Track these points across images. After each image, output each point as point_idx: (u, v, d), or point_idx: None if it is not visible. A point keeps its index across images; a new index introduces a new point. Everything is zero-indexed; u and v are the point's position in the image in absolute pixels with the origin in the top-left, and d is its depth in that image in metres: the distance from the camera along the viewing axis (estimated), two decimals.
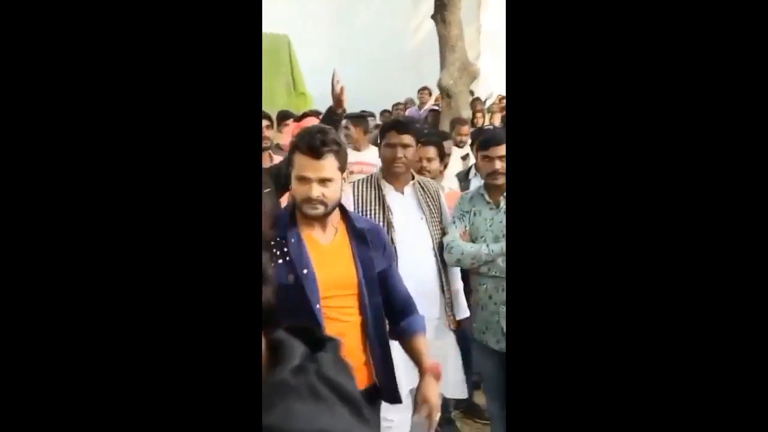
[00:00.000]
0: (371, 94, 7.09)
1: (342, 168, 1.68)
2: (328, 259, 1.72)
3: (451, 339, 2.58)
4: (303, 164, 1.64)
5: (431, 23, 7.63)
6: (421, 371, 1.78)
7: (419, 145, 2.62)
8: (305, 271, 1.66)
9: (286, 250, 1.67)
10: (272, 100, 6.82)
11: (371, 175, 2.60)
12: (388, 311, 1.85)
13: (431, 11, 7.54)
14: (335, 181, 1.65)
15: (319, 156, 1.61)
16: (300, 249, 1.68)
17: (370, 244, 1.75)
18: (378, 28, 8.83)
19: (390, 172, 2.50)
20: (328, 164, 1.63)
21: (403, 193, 2.54)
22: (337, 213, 1.76)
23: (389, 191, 2.52)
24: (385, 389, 1.80)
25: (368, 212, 2.47)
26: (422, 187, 2.57)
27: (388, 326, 1.85)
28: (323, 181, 1.64)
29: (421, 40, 8.92)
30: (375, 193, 2.52)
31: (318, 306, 1.66)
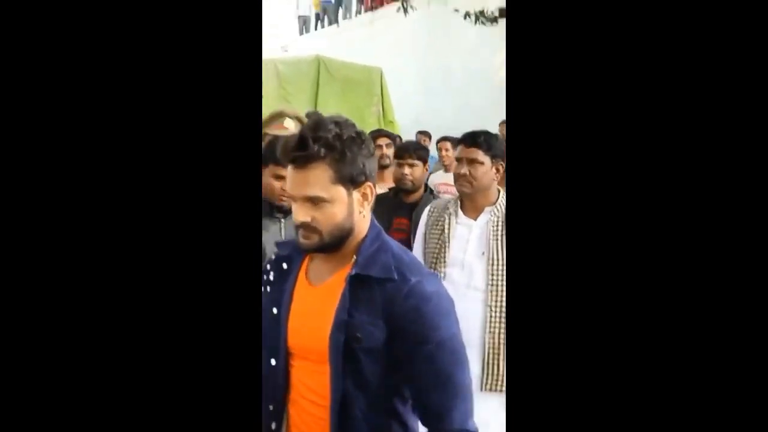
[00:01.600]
0: (458, 125, 7.52)
1: (344, 179, 1.13)
2: (309, 307, 1.21)
3: (494, 404, 1.98)
4: (289, 175, 1.15)
5: None
6: None
7: (499, 162, 2.15)
8: (274, 311, 1.23)
9: (273, 277, 1.27)
10: (363, 126, 7.36)
11: (451, 199, 2.26)
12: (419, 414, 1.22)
13: None
14: (335, 201, 1.13)
15: (299, 163, 1.11)
16: (285, 280, 1.25)
17: (370, 301, 1.15)
18: (465, 64, 9.27)
19: (459, 192, 2.17)
20: (315, 176, 1.11)
21: (475, 219, 2.15)
22: (355, 245, 1.20)
23: (460, 218, 2.16)
24: None
25: (431, 243, 2.17)
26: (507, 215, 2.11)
27: None
28: (311, 201, 1.13)
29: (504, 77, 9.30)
30: (444, 220, 2.16)
31: (274, 362, 1.21)
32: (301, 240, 1.17)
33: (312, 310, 1.20)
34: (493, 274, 2.05)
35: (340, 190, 1.14)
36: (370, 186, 1.19)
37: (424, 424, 1.19)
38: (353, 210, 1.17)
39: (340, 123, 1.15)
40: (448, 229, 2.14)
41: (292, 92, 7.51)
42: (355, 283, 1.16)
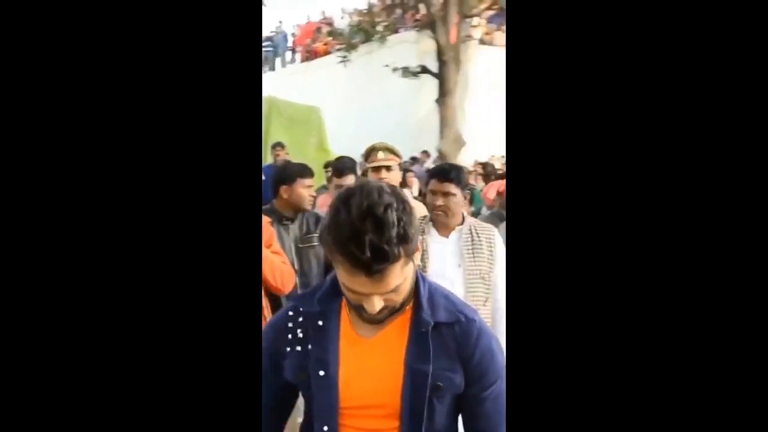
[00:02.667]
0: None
1: (410, 255, 1.02)
2: (365, 361, 1.11)
3: None
4: (352, 278, 1.00)
5: (432, 104, 9.88)
6: None
7: (466, 190, 2.50)
8: (321, 373, 1.10)
9: (303, 335, 1.14)
10: (303, 155, 8.91)
11: (422, 218, 2.48)
12: None
13: (434, 96, 9.75)
14: (407, 278, 1.05)
15: (376, 273, 0.97)
16: (326, 337, 1.12)
17: (442, 347, 1.09)
18: (390, 105, 11.04)
19: (435, 220, 2.45)
20: (393, 272, 0.99)
21: (447, 237, 2.45)
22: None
23: (433, 235, 2.44)
24: None
25: None
26: (472, 233, 2.44)
27: None
28: (389, 292, 1.02)
29: (423, 116, 11.23)
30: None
31: (326, 428, 1.11)
32: (368, 316, 1.06)
33: (371, 364, 1.10)
34: (470, 283, 2.39)
35: (410, 266, 1.05)
36: (420, 241, 1.11)
37: None
38: (415, 271, 1.10)
39: (391, 204, 0.98)
40: (425, 246, 2.39)
41: None
42: (422, 328, 1.09)
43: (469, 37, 11.30)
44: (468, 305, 1.19)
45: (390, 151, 2.95)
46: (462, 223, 2.48)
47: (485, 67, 11.33)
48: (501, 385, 1.11)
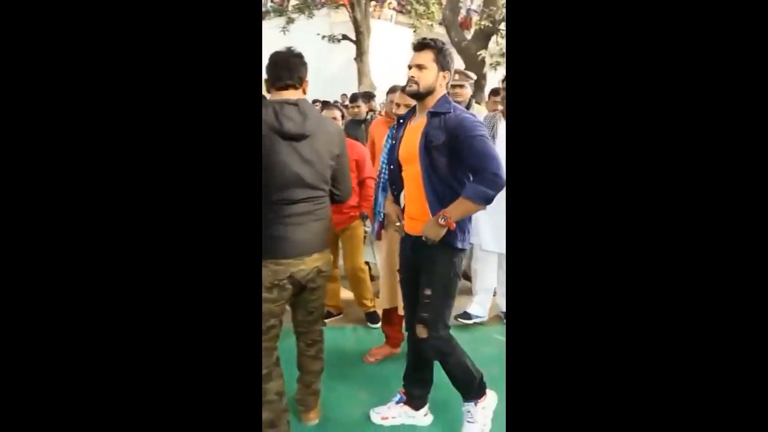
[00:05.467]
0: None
1: (439, 62, 2.31)
2: (412, 135, 2.34)
3: None
4: (412, 56, 2.31)
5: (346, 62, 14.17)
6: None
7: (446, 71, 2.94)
8: (393, 142, 2.49)
9: (396, 124, 2.54)
10: None
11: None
12: None
13: (349, 56, 14.09)
14: (429, 69, 2.29)
15: (417, 48, 2.32)
16: (401, 126, 2.47)
17: (437, 123, 2.24)
18: (318, 67, 15.19)
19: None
20: (424, 55, 2.29)
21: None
22: (433, 103, 2.32)
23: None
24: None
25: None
26: None
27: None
28: (418, 66, 2.29)
29: (338, 71, 15.38)
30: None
31: (392, 166, 2.50)
32: (408, 88, 2.33)
33: (412, 135, 2.36)
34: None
35: (435, 66, 2.31)
36: (447, 74, 2.35)
37: (474, 175, 2.20)
38: (437, 80, 2.32)
39: (445, 43, 2.37)
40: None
41: None
42: (431, 115, 2.29)
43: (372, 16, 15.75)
44: (466, 111, 2.35)
45: (463, 74, 3.96)
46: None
47: (380, 35, 15.82)
48: (471, 140, 2.18)
